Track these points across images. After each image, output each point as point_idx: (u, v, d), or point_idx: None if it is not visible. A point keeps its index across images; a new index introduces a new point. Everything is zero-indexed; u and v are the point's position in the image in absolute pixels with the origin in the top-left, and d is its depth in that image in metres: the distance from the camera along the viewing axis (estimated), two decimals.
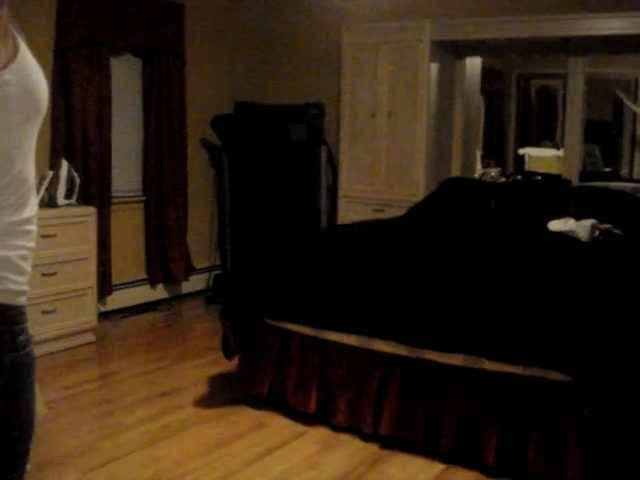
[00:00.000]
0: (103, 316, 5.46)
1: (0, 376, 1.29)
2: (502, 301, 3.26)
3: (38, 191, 4.73)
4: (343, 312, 3.67)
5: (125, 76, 5.78)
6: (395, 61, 5.78)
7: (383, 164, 5.89)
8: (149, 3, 5.72)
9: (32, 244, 1.37)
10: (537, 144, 8.49)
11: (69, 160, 5.02)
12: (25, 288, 1.36)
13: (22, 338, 1.34)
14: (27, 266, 1.36)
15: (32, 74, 1.32)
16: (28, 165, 1.35)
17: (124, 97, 5.78)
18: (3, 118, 1.27)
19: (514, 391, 3.19)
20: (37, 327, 4.40)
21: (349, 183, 6.04)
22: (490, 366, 3.24)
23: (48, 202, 4.78)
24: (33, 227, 1.37)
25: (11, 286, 1.31)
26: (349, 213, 5.90)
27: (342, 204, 6.07)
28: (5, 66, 1.24)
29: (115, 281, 5.68)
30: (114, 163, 5.59)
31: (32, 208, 1.36)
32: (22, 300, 1.35)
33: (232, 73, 6.68)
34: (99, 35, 5.31)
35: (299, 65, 6.69)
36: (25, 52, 1.30)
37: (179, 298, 6.31)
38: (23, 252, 1.34)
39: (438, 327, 3.37)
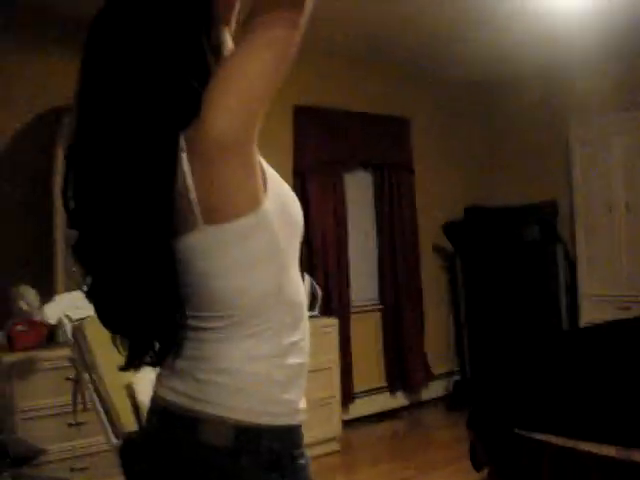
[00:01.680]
0: (345, 424, 5.55)
1: None
2: None
3: None
4: (597, 419, 3.46)
5: (356, 189, 6.05)
6: (628, 152, 5.58)
7: (624, 259, 5.62)
8: (378, 120, 6.00)
9: (306, 359, 1.37)
10: None
11: (310, 274, 5.28)
12: (300, 406, 1.35)
13: (301, 462, 1.34)
14: (302, 381, 1.36)
15: (287, 196, 1.32)
16: (295, 284, 1.34)
17: (357, 209, 6.03)
18: (270, 245, 1.27)
19: None
20: None
21: (589, 281, 5.80)
22: None
23: None
24: (306, 344, 1.37)
25: (284, 408, 1.32)
26: (592, 312, 5.64)
27: (583, 303, 5.83)
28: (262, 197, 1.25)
29: (356, 389, 5.78)
30: (351, 273, 5.80)
31: (305, 326, 1.36)
32: (298, 418, 1.35)
33: (461, 179, 6.76)
34: (333, 154, 5.63)
35: (527, 164, 6.64)
36: (272, 173, 1.31)
37: (419, 405, 6.28)
38: (297, 370, 1.34)
39: None
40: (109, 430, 2.93)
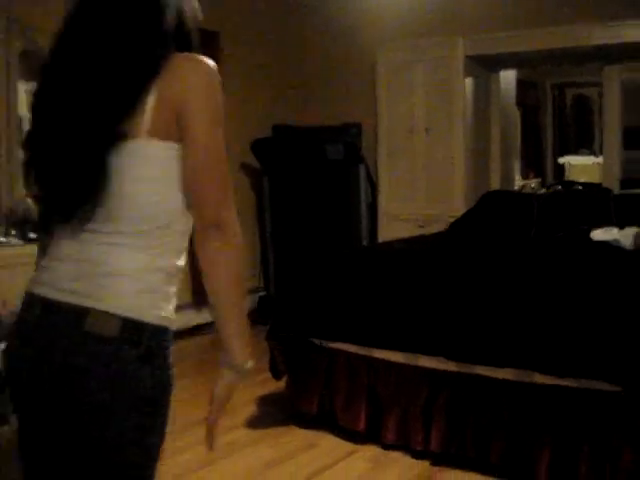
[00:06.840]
0: None
1: (152, 388, 1.48)
2: (549, 313, 3.25)
3: None
4: (389, 329, 3.69)
5: None
6: (430, 78, 5.82)
7: (422, 180, 5.91)
8: None
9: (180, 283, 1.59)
10: (575, 152, 8.45)
11: None
12: (174, 317, 1.56)
13: (169, 361, 1.54)
14: (175, 299, 1.57)
15: None
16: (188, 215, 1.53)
17: None
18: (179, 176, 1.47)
19: (565, 404, 3.17)
20: None
21: (389, 201, 6.07)
22: (541, 379, 3.23)
23: None
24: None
25: (164, 313, 1.51)
26: (390, 231, 5.92)
27: (383, 222, 6.10)
28: None
29: None
30: None
31: (184, 257, 1.57)
32: (172, 324, 1.55)
33: (269, 97, 6.77)
34: None
35: (335, 86, 6.75)
36: None
37: None
38: (176, 289, 1.57)
39: (486, 342, 3.36)
40: None
